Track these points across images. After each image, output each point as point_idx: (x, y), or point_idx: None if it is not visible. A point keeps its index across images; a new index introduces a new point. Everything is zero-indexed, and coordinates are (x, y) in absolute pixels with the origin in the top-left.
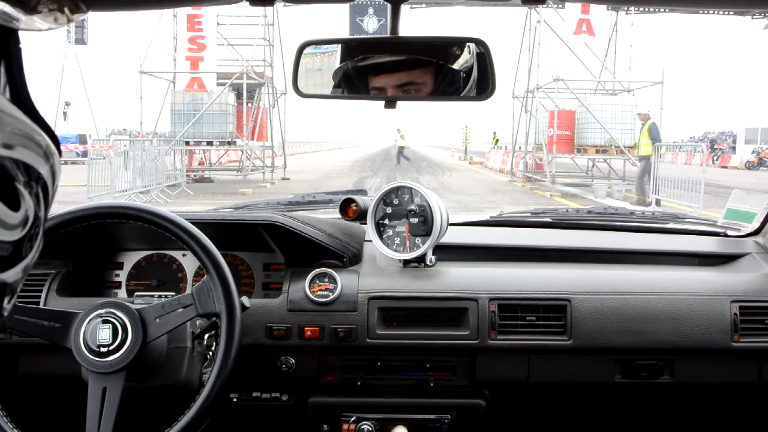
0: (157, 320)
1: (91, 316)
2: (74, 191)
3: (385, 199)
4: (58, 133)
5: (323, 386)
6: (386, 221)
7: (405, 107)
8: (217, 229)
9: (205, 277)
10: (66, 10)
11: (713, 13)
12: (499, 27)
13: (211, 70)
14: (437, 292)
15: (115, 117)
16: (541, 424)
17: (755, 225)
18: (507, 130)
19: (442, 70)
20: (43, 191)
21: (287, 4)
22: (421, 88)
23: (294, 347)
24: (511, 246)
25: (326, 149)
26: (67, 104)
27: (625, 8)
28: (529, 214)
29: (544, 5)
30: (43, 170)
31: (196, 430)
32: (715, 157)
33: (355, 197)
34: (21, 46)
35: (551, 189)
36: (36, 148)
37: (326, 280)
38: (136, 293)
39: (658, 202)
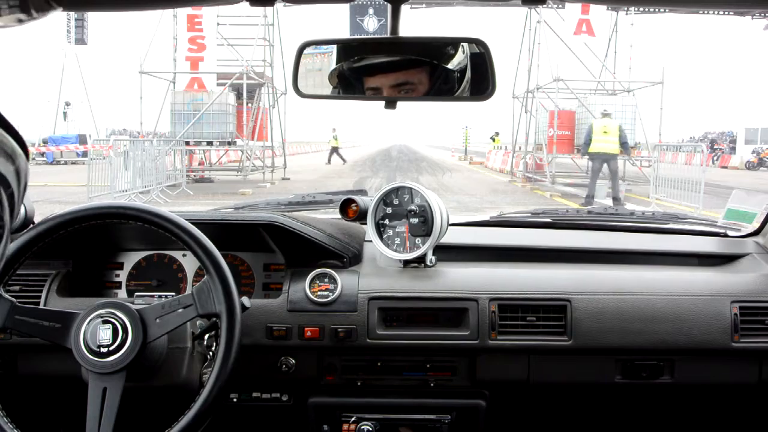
0: (158, 320)
1: (92, 316)
2: (74, 191)
3: (385, 199)
4: (58, 133)
5: (323, 386)
6: (386, 221)
7: (405, 107)
8: (218, 229)
9: (205, 277)
10: (31, 9)
11: (713, 14)
12: (499, 27)
13: (211, 71)
14: (437, 292)
15: (115, 117)
16: (541, 424)
17: (755, 225)
18: (507, 131)
19: (437, 70)
20: (7, 192)
21: (287, 4)
22: (416, 88)
23: (294, 347)
24: (511, 246)
25: (326, 149)
26: (67, 104)
27: (625, 8)
28: (529, 215)
29: (544, 5)
30: (8, 172)
31: (196, 430)
32: (715, 158)
33: (355, 197)
34: None
35: (551, 189)
36: None
37: (326, 280)
38: (136, 293)
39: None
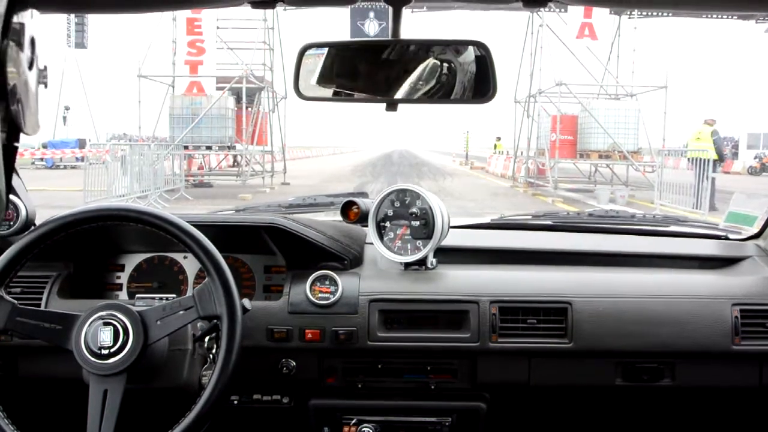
0: (158, 322)
1: (92, 318)
2: (73, 196)
3: (386, 201)
4: (57, 137)
5: (324, 389)
6: (387, 224)
7: (406, 112)
8: (219, 231)
9: (206, 279)
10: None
11: (716, 17)
12: (501, 31)
13: (210, 74)
14: (438, 294)
15: (115, 121)
16: (542, 427)
17: (756, 228)
18: (509, 135)
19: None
20: None
21: (288, 6)
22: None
23: (295, 349)
24: (512, 249)
25: (327, 154)
26: (67, 108)
27: (628, 12)
28: (530, 217)
29: (545, 8)
30: None
31: None
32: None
33: (356, 200)
34: None
35: (553, 194)
36: None
37: (327, 282)
38: (137, 295)
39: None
